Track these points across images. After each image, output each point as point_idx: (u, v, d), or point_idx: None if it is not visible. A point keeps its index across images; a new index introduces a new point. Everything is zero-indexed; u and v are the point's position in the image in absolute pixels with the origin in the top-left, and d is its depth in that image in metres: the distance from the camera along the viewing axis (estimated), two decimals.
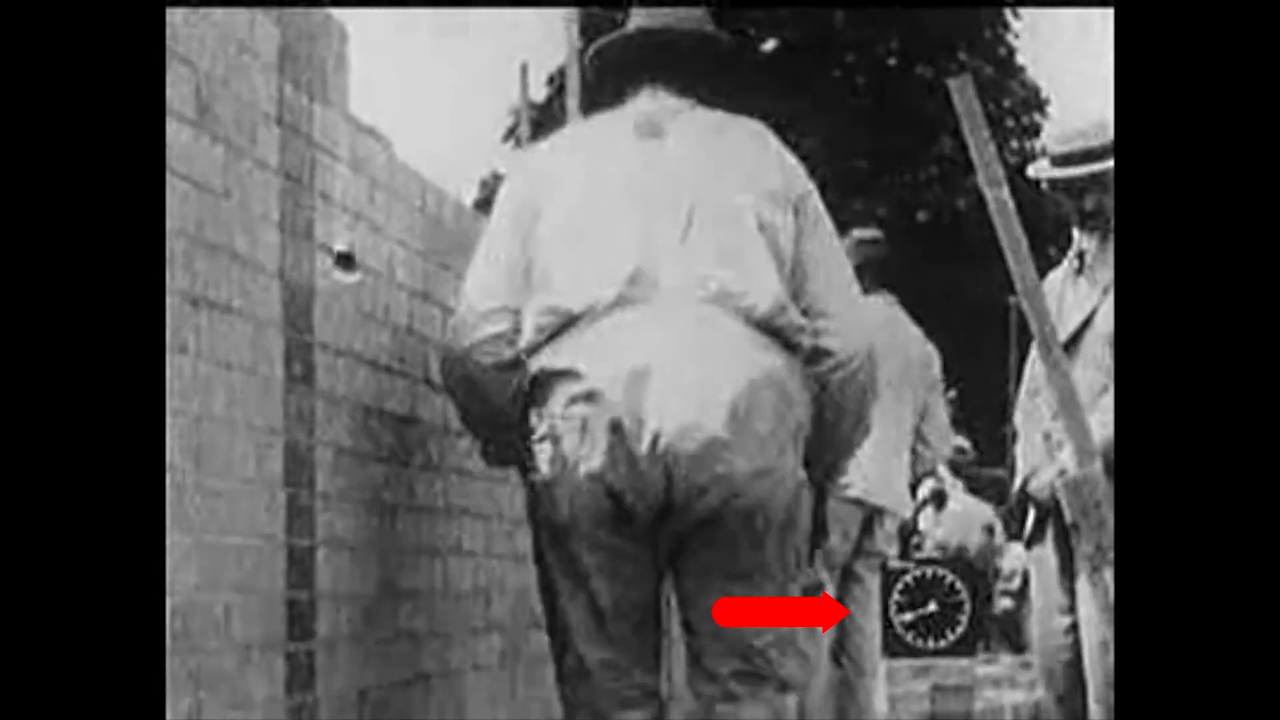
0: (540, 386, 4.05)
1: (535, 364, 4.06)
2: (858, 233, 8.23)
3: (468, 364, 4.17)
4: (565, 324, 4.03)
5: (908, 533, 13.48)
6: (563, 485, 4.01)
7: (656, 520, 4.02)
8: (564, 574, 4.11)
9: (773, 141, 4.32)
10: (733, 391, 3.97)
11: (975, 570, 14.66)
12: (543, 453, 4.04)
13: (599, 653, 4.11)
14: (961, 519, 15.25)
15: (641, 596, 4.12)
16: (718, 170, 4.17)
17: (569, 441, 3.98)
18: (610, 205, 4.11)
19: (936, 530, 15.11)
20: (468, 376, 4.19)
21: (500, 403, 4.16)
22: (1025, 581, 14.07)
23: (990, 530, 15.26)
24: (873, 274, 7.98)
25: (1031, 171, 6.01)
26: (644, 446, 3.94)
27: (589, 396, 3.96)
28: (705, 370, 3.98)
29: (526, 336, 4.09)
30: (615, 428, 3.94)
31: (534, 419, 4.07)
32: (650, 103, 4.29)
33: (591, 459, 3.97)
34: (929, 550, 14.87)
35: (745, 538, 4.04)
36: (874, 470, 7.81)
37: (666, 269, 4.04)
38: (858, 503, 7.75)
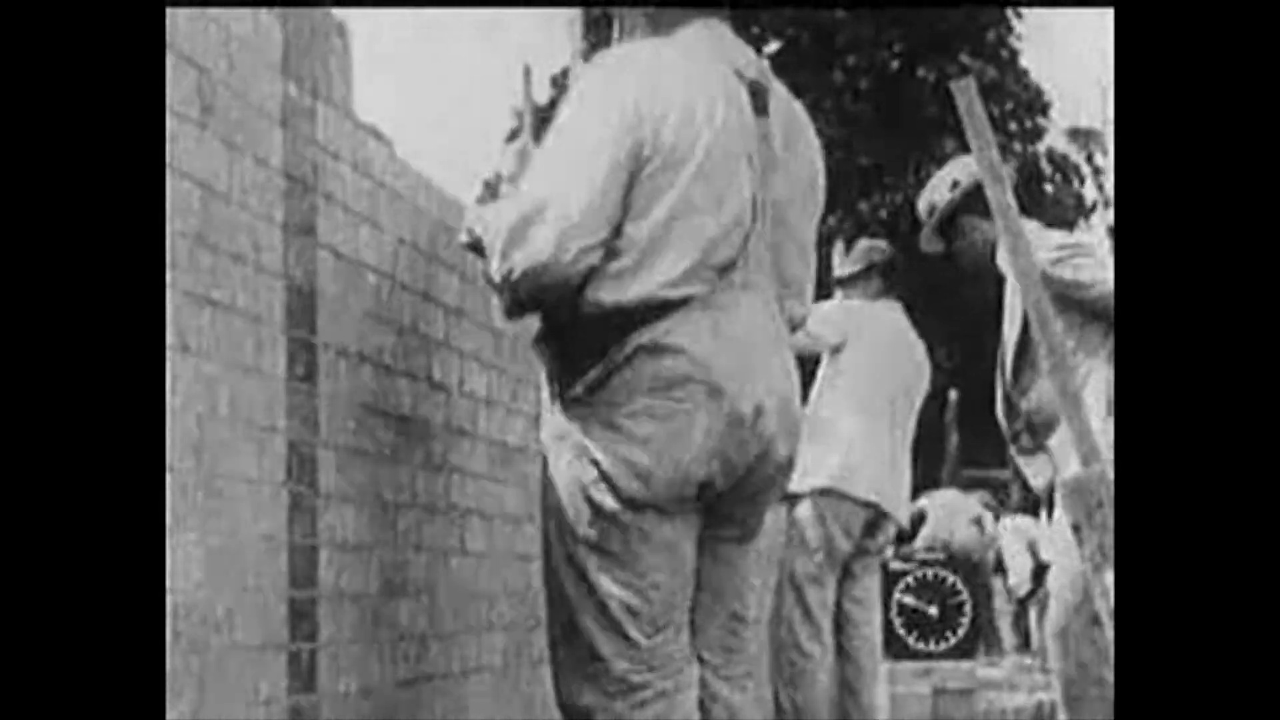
0: (643, 359, 3.94)
1: (641, 335, 3.92)
2: (866, 242, 8.35)
3: (557, 277, 3.90)
4: (676, 304, 3.95)
5: (903, 536, 13.47)
6: (661, 460, 3.93)
7: (720, 499, 4.07)
8: (620, 553, 3.97)
9: (809, 126, 4.35)
10: (792, 385, 4.16)
11: (973, 566, 14.66)
12: (637, 426, 3.93)
13: (648, 638, 3.99)
14: (946, 513, 15.23)
15: (688, 578, 4.06)
16: (793, 164, 4.18)
17: (678, 419, 3.92)
18: (725, 185, 3.99)
19: (923, 526, 15.12)
20: (555, 288, 3.92)
21: (565, 320, 3.99)
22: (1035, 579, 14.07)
23: (979, 522, 15.23)
24: (881, 279, 8.08)
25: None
26: (750, 433, 4.00)
27: (704, 381, 3.93)
28: (785, 363, 4.13)
29: (629, 297, 3.92)
30: (732, 414, 3.96)
31: (628, 391, 3.94)
32: (731, 48, 4.17)
33: (699, 439, 3.94)
34: (916, 546, 14.87)
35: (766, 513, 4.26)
36: (883, 474, 7.86)
37: (755, 261, 4.06)
38: (864, 504, 7.80)
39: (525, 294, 3.94)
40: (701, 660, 4.13)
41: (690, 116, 3.96)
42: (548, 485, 4.04)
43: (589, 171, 3.89)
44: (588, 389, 3.97)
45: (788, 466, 4.16)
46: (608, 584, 3.97)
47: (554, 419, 4.06)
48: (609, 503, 3.95)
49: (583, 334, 3.96)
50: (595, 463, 3.96)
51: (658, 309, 3.93)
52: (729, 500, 4.08)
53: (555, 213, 3.88)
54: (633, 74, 3.98)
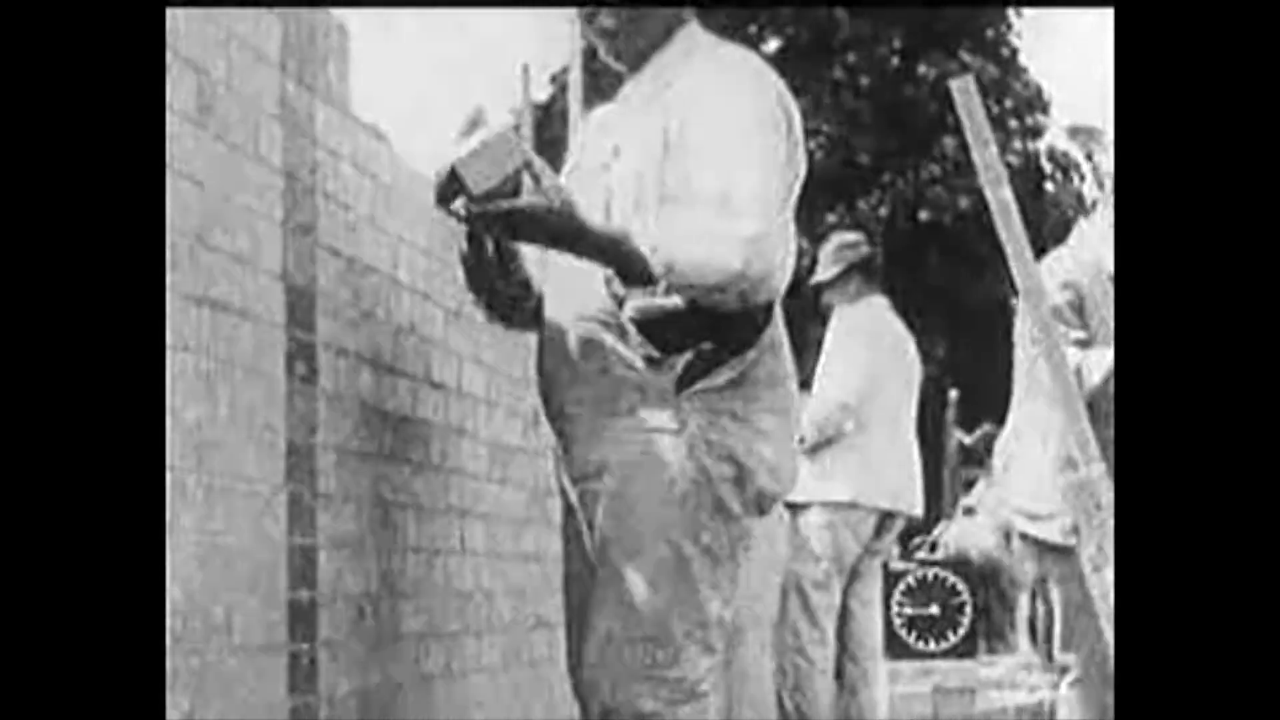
0: (770, 354, 3.93)
1: (771, 331, 3.94)
2: (837, 237, 8.28)
3: (755, 290, 3.76)
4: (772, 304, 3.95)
5: (916, 533, 13.47)
6: (785, 455, 3.95)
7: None
8: (727, 557, 3.88)
9: None
10: None
11: (981, 573, 14.66)
12: (764, 421, 3.89)
13: (724, 646, 3.99)
14: (972, 524, 15.21)
15: None
16: None
17: (790, 415, 3.97)
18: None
19: (948, 533, 15.12)
20: (742, 298, 3.76)
21: (715, 315, 3.83)
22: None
23: (1007, 535, 15.23)
24: (861, 277, 8.03)
25: None
26: None
27: (794, 377, 4.02)
28: None
29: (772, 294, 3.85)
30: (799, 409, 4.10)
31: (759, 386, 3.90)
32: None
33: (795, 433, 4.03)
34: (940, 553, 14.86)
35: None
36: (901, 477, 7.86)
37: None
38: (883, 512, 7.81)
39: (734, 300, 3.77)
40: None
41: (800, 132, 4.01)
42: (647, 483, 3.85)
43: (781, 194, 3.84)
44: (727, 383, 3.86)
45: None
46: (709, 590, 3.86)
47: (657, 410, 3.85)
48: (734, 503, 3.88)
49: (727, 328, 3.84)
50: (733, 459, 3.87)
51: (770, 307, 3.92)
52: None
53: (770, 237, 3.77)
54: (776, 88, 3.95)
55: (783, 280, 3.88)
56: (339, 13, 4.56)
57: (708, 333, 3.86)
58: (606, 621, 3.88)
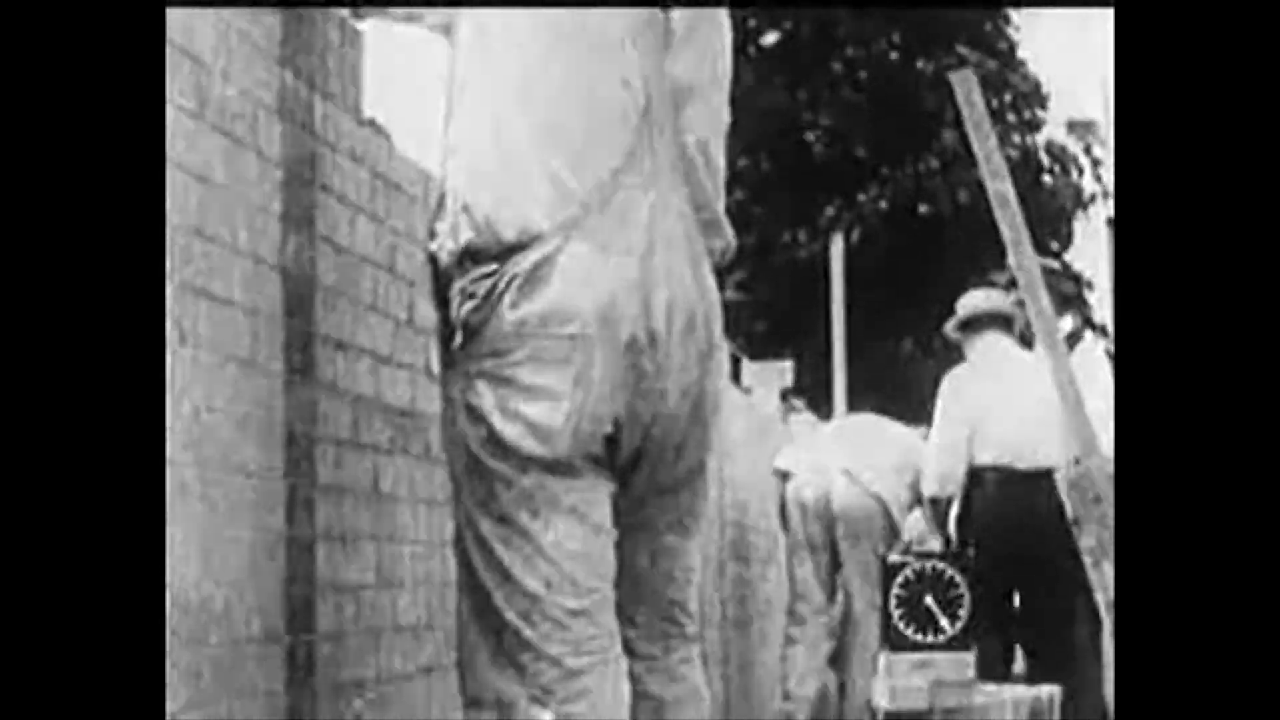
0: (522, 292, 3.48)
1: (515, 265, 3.47)
2: None
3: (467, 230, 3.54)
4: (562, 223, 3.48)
5: None
6: (562, 411, 3.47)
7: (632, 456, 3.61)
8: (527, 525, 3.50)
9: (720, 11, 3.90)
10: (709, 304, 3.67)
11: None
12: (528, 374, 3.47)
13: (574, 616, 3.53)
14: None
15: (606, 550, 3.59)
16: (700, 49, 3.80)
17: (575, 359, 3.46)
18: (596, 74, 3.59)
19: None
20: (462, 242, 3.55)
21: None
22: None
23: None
24: None
25: None
26: (649, 360, 3.53)
27: (592, 306, 3.47)
28: (697, 276, 3.63)
29: (489, 237, 3.48)
30: (631, 340, 3.49)
31: (515, 335, 3.48)
32: None
33: (598, 376, 3.48)
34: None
35: (696, 478, 3.73)
36: None
37: (652, 158, 3.59)
38: None
39: None
40: (634, 654, 3.72)
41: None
42: (449, 460, 3.65)
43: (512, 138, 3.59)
44: (466, 338, 3.53)
45: (700, 405, 3.64)
46: (517, 561, 3.50)
47: (443, 384, 3.69)
48: (505, 469, 3.51)
49: (453, 277, 3.56)
50: (485, 423, 3.52)
51: (532, 236, 3.48)
52: (646, 463, 3.62)
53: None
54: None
55: (514, 225, 3.49)
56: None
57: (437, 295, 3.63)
58: (462, 610, 3.68)
